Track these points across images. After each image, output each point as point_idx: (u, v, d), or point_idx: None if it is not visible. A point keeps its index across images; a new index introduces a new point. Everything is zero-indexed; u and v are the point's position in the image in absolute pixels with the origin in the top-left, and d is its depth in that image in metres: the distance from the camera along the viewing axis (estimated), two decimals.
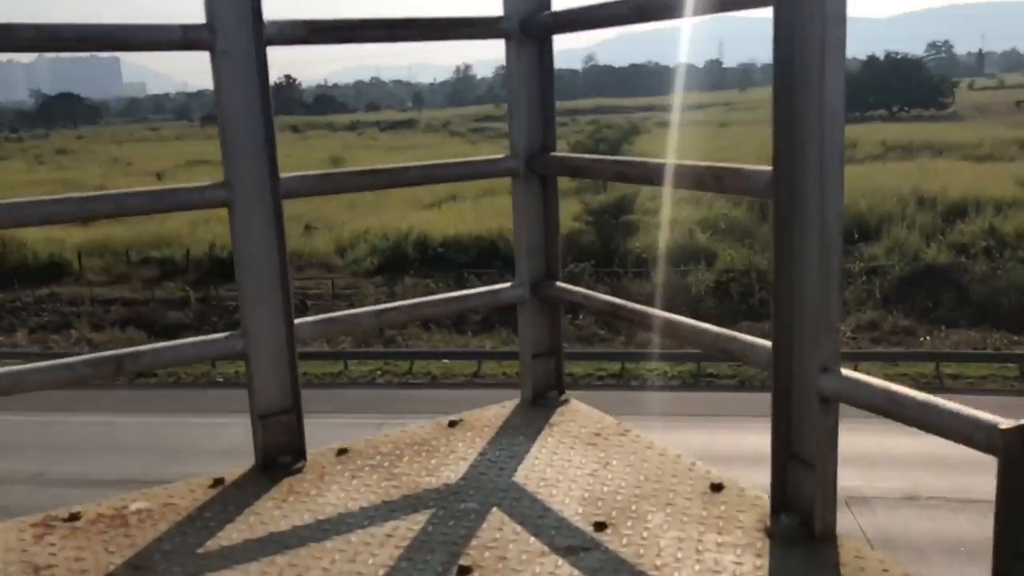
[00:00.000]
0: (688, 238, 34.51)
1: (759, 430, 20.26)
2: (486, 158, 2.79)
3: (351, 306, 31.42)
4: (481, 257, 34.37)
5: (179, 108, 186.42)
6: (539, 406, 2.80)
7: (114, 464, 20.05)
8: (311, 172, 2.45)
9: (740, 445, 20.28)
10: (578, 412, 2.74)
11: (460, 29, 2.56)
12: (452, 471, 2.36)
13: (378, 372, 26.24)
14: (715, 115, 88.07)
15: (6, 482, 19.23)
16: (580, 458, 2.39)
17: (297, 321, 2.37)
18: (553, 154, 2.66)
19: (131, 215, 2.39)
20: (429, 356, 26.68)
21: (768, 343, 1.97)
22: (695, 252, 33.26)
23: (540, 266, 2.76)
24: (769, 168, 1.88)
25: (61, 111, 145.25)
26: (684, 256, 32.74)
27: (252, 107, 2.24)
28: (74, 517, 2.19)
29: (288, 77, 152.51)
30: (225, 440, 20.55)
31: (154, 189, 2.28)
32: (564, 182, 2.93)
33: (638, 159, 2.45)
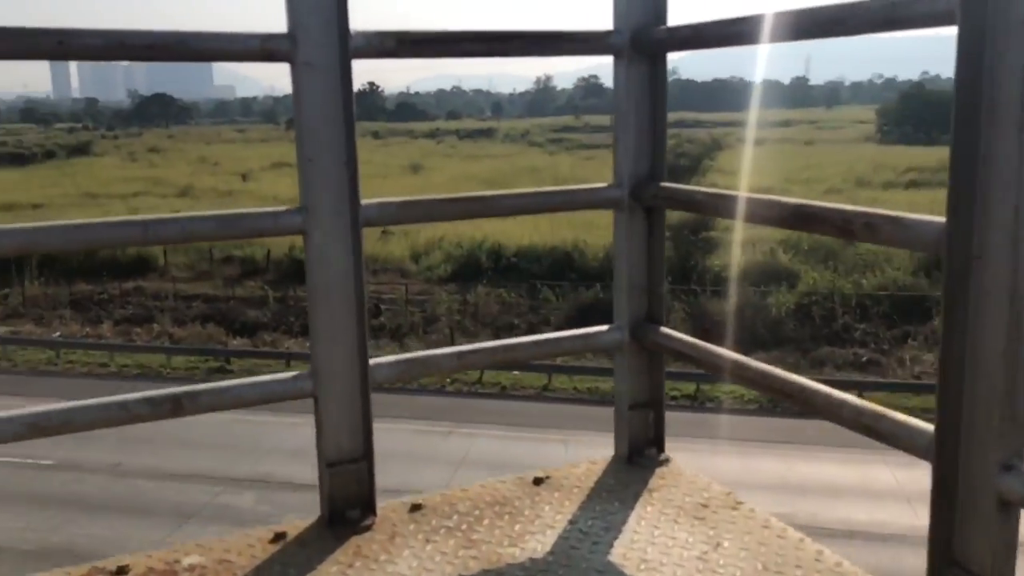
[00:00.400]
0: (770, 257, 33.58)
1: (836, 461, 19.48)
2: (586, 187, 2.54)
3: (423, 312, 31.72)
4: (555, 268, 34.13)
5: (266, 111, 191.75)
6: (636, 465, 2.51)
7: (187, 458, 20.43)
8: (394, 199, 2.25)
9: (816, 476, 19.52)
10: (680, 476, 2.44)
11: (565, 44, 2.33)
12: (539, 542, 2.09)
13: (448, 380, 26.18)
14: (800, 133, 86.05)
15: (84, 471, 19.79)
16: (686, 535, 2.10)
17: (372, 362, 2.18)
18: (662, 184, 2.41)
19: (198, 241, 2.24)
20: (499, 367, 26.47)
21: (929, 427, 1.65)
22: (776, 272, 32.32)
23: (642, 308, 2.51)
24: (941, 219, 1.56)
25: (155, 111, 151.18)
26: (765, 276, 31.85)
27: (334, 125, 2.05)
28: (122, 571, 1.99)
29: (371, 84, 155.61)
30: (296, 440, 20.71)
31: (225, 213, 2.11)
32: None
33: (770, 197, 2.11)
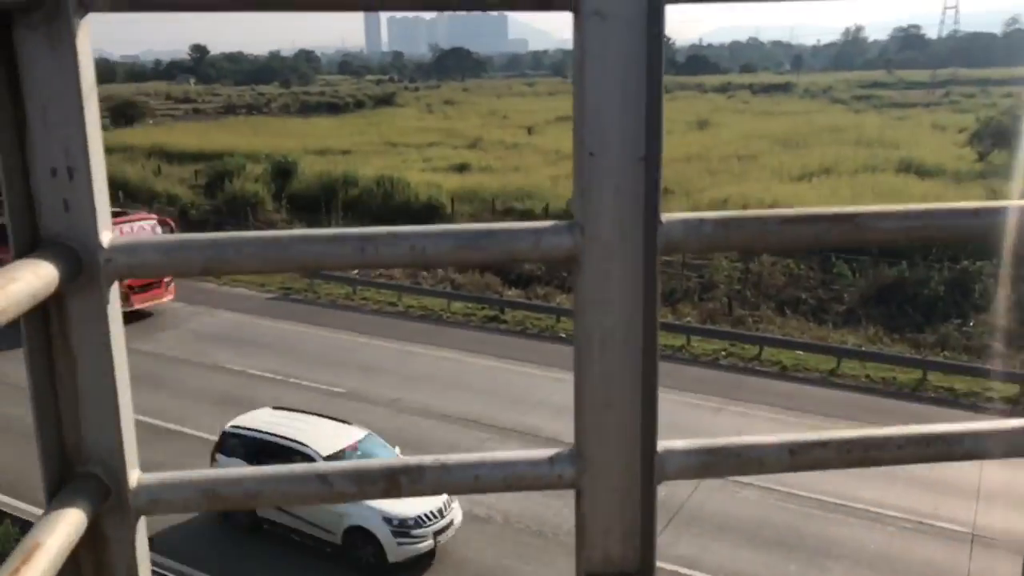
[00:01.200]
0: None
1: None
2: None
3: (700, 277, 30.30)
4: None
5: (555, 64, 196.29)
6: None
7: (461, 401, 21.11)
8: (709, 216, 1.51)
9: None
10: None
11: None
12: None
13: (723, 353, 24.71)
14: None
15: (368, 403, 21.09)
16: None
17: (662, 446, 1.56)
18: None
19: (434, 266, 1.64)
20: (781, 344, 24.49)
21: None
22: None
23: None
24: None
25: (452, 64, 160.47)
26: None
27: (632, 104, 1.40)
28: None
29: None
30: (561, 397, 20.69)
31: (476, 228, 1.51)
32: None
33: None
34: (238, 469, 1.57)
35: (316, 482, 1.53)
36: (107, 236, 1.42)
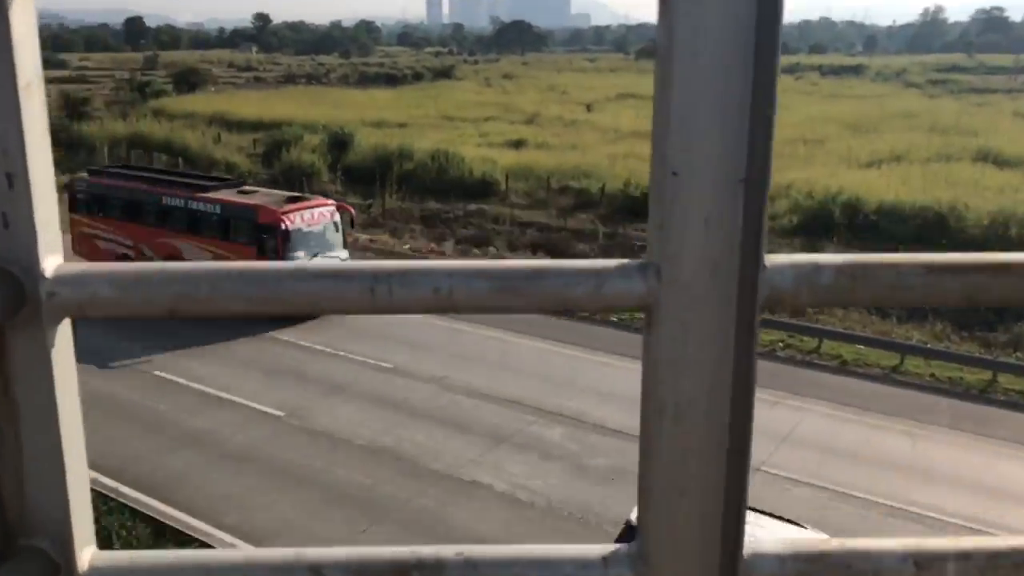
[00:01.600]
0: None
1: None
2: None
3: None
4: (924, 231, 29.69)
5: (617, 40, 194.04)
6: None
7: (505, 383, 20.90)
8: (828, 260, 1.16)
9: None
10: None
11: None
12: None
13: (780, 344, 24.00)
14: None
15: (416, 379, 21.00)
16: None
17: (749, 549, 1.25)
18: None
19: (458, 312, 1.29)
20: (842, 337, 23.69)
21: None
22: None
23: None
24: None
25: (512, 38, 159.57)
26: None
27: (731, 111, 1.06)
28: None
29: None
30: (609, 383, 20.34)
31: (529, 267, 1.24)
32: None
33: None
34: (212, 551, 1.29)
35: (306, 575, 1.27)
36: (52, 262, 1.16)
